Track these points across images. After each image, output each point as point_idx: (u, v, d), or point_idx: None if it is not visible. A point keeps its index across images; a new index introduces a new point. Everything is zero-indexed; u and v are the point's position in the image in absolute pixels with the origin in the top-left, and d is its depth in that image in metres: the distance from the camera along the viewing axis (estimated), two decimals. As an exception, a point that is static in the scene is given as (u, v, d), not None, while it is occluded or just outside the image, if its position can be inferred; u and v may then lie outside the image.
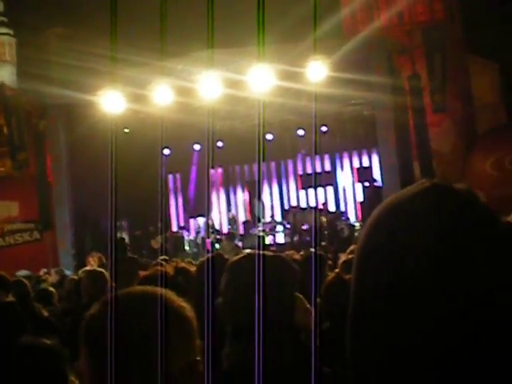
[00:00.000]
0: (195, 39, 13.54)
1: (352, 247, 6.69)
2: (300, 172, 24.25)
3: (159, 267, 5.46)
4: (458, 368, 0.92)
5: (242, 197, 24.92)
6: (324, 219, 20.02)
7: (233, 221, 22.68)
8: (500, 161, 17.48)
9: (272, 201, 24.39)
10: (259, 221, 22.34)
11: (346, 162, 23.65)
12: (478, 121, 18.65)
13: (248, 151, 20.16)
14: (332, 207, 22.78)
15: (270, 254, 2.51)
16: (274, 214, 23.49)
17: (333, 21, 15.43)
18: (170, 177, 25.01)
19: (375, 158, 21.49)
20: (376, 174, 21.28)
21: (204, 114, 18.09)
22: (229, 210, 23.80)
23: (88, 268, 8.63)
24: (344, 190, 23.50)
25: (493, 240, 0.96)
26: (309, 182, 23.81)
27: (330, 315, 4.17)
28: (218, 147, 22.63)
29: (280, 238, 21.98)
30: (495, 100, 18.48)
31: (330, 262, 7.20)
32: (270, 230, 21.86)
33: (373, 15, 17.56)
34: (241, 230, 22.48)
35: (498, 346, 0.92)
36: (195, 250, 21.42)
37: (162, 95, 16.87)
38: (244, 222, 23.14)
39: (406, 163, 16.77)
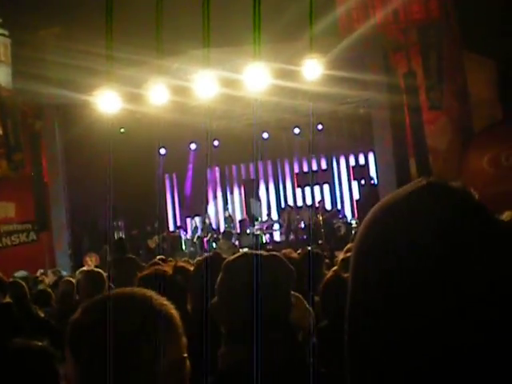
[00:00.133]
0: (191, 38, 13.51)
1: (349, 245, 6.69)
2: (296, 170, 24.26)
3: (158, 266, 5.45)
4: (455, 367, 0.92)
5: (238, 195, 24.91)
6: (320, 217, 20.04)
7: (229, 220, 22.68)
8: (496, 157, 17.50)
9: (268, 199, 24.40)
10: (256, 219, 22.33)
11: (342, 160, 23.66)
12: (474, 118, 18.66)
13: (244, 150, 20.21)
14: (328, 205, 22.80)
15: (266, 253, 2.50)
16: (271, 212, 23.51)
17: (328, 19, 15.44)
18: (166, 176, 24.99)
19: (371, 156, 21.51)
20: (372, 171, 21.30)
21: (200, 114, 18.10)
22: (225, 208, 23.80)
23: (85, 268, 8.61)
24: (340, 188, 23.52)
25: (488, 238, 0.96)
26: (305, 180, 23.83)
27: (328, 314, 4.17)
28: (215, 146, 22.65)
29: (277, 237, 22.01)
30: (491, 97, 18.50)
31: (327, 261, 7.19)
32: (267, 228, 21.87)
33: (368, 13, 17.57)
34: (237, 229, 22.48)
35: (494, 345, 0.92)
36: (192, 249, 21.42)
37: (157, 94, 16.86)
38: (240, 221, 23.15)
39: (402, 161, 16.78)
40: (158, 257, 8.85)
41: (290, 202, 23.96)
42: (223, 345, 2.35)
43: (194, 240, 21.69)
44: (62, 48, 16.43)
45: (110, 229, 19.44)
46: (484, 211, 0.98)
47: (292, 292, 2.78)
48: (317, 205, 21.73)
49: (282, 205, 23.84)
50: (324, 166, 23.78)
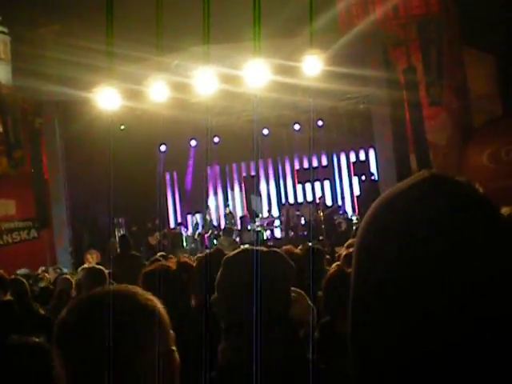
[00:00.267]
0: (191, 34, 13.50)
1: (350, 240, 6.69)
2: (297, 166, 24.25)
3: (163, 262, 5.46)
4: (454, 362, 0.92)
5: (238, 192, 24.92)
6: (321, 213, 20.04)
7: (230, 216, 22.68)
8: (496, 153, 17.50)
9: (269, 196, 24.40)
10: (256, 216, 22.34)
11: (343, 156, 23.65)
12: (473, 113, 18.66)
13: (244, 146, 20.20)
14: (329, 201, 22.80)
15: (266, 249, 2.50)
16: (271, 208, 23.51)
17: (328, 15, 15.42)
18: (167, 173, 24.98)
19: (371, 152, 21.50)
20: (372, 167, 21.30)
21: (200, 110, 18.10)
22: (226, 205, 23.80)
23: (87, 265, 8.63)
24: (341, 184, 23.51)
25: (491, 233, 0.96)
26: (306, 176, 23.82)
27: (330, 309, 4.16)
28: (215, 143, 22.64)
29: (277, 233, 22.01)
30: (491, 92, 18.49)
31: (327, 257, 7.19)
32: (268, 224, 21.88)
33: (368, 9, 17.56)
34: (238, 226, 22.49)
35: (494, 340, 0.92)
36: (193, 245, 21.43)
37: (158, 91, 16.85)
38: (241, 217, 23.16)
39: (402, 157, 16.77)
40: (159, 253, 8.87)
41: (291, 198, 23.96)
42: (223, 340, 2.36)
43: (195, 237, 21.70)
44: (62, 45, 16.42)
45: (111, 226, 19.45)
46: (488, 205, 0.98)
47: (294, 288, 2.79)
48: (317, 201, 21.73)
49: (283, 201, 23.84)
50: (324, 162, 23.77)
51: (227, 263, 2.45)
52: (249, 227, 21.82)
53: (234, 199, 24.77)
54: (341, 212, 21.44)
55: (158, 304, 1.65)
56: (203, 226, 22.18)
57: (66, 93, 16.89)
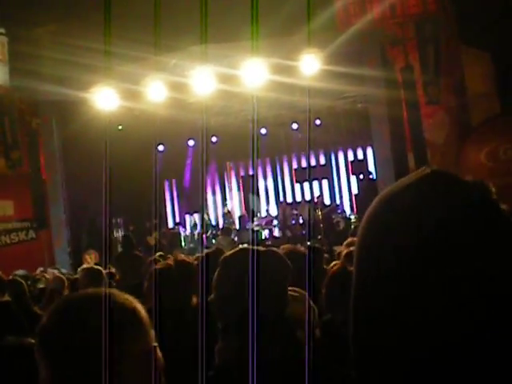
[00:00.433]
0: (189, 34, 13.50)
1: (350, 239, 6.69)
2: (295, 166, 24.26)
3: (170, 261, 5.45)
4: (456, 362, 0.92)
5: (237, 191, 24.92)
6: (319, 212, 20.04)
7: (228, 216, 22.68)
8: (494, 151, 17.51)
9: (267, 195, 24.40)
10: (254, 215, 22.33)
11: (341, 155, 23.66)
12: (471, 111, 18.66)
13: (242, 146, 20.17)
14: (327, 200, 22.80)
15: (263, 248, 2.50)
16: (269, 208, 23.51)
17: (326, 14, 15.43)
18: (165, 173, 24.96)
19: (369, 151, 21.51)
20: (370, 166, 21.31)
21: (198, 110, 18.08)
22: (224, 204, 23.80)
23: (85, 266, 8.63)
24: (339, 183, 23.52)
25: (494, 231, 0.95)
26: (304, 175, 23.84)
27: (332, 307, 4.16)
28: (213, 142, 22.64)
29: (276, 232, 22.02)
30: (488, 90, 18.49)
31: (326, 255, 7.19)
32: (266, 224, 21.87)
33: (365, 8, 17.55)
34: (236, 225, 22.49)
35: (494, 340, 0.91)
36: (191, 245, 21.43)
37: (155, 91, 16.85)
38: (239, 217, 23.15)
39: (400, 155, 16.78)
40: (158, 253, 8.86)
41: (289, 197, 23.97)
42: (220, 340, 2.36)
43: (195, 236, 21.68)
44: (59, 45, 16.39)
45: (109, 226, 19.42)
46: (490, 202, 0.98)
47: (295, 287, 2.78)
48: (315, 200, 21.73)
49: (281, 200, 23.85)
50: (322, 161, 23.78)
51: (224, 263, 2.45)
52: (247, 227, 21.81)
53: (232, 199, 24.77)
54: (339, 211, 21.45)
55: (136, 303, 1.67)
56: (201, 226, 22.18)
57: (63, 93, 16.87)
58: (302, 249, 5.57)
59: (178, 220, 24.75)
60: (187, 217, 24.51)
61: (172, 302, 3.92)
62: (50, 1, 17.38)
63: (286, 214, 21.67)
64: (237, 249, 2.58)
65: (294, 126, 21.92)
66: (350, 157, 23.46)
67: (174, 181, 25.18)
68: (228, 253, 2.54)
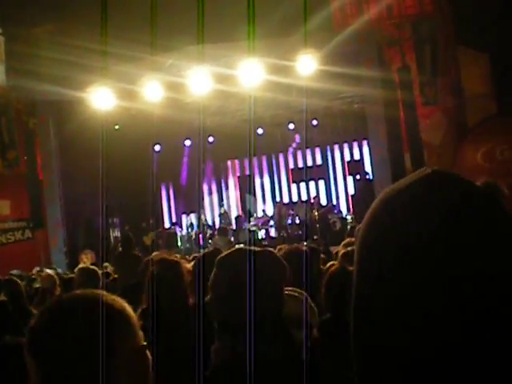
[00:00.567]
0: (185, 34, 13.49)
1: (348, 239, 6.69)
2: (291, 166, 24.27)
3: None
4: (456, 362, 0.92)
5: (233, 192, 24.91)
6: (316, 213, 20.04)
7: (225, 216, 22.67)
8: (491, 152, 17.52)
9: (264, 195, 24.40)
10: (251, 215, 22.33)
11: (337, 155, 23.67)
12: (468, 112, 18.67)
13: (239, 146, 20.19)
14: (324, 201, 22.81)
15: (259, 249, 2.50)
16: (266, 208, 23.51)
17: (322, 14, 15.42)
18: (161, 173, 24.94)
19: (366, 151, 21.52)
20: (367, 166, 21.32)
21: (194, 110, 18.08)
22: (221, 205, 23.79)
23: (81, 265, 8.63)
24: (335, 184, 23.53)
25: (495, 230, 0.95)
26: (300, 175, 23.84)
27: (331, 307, 4.16)
28: (209, 142, 22.63)
29: (273, 233, 22.02)
30: (485, 91, 18.50)
31: (322, 256, 7.19)
32: (262, 224, 21.87)
33: (362, 8, 17.56)
34: (233, 225, 22.48)
35: (497, 339, 0.92)
36: (188, 245, 21.41)
37: (152, 91, 16.85)
38: (236, 217, 23.15)
39: (396, 156, 16.79)
40: (154, 253, 8.85)
41: (286, 197, 23.98)
42: (216, 340, 2.36)
43: (193, 236, 21.67)
44: (56, 44, 16.38)
45: (105, 226, 19.42)
46: (491, 201, 0.98)
47: (295, 288, 2.78)
48: (312, 200, 21.74)
49: (277, 200, 23.86)
50: (319, 161, 23.79)
51: (220, 263, 2.45)
52: (244, 227, 21.81)
53: (228, 199, 24.77)
54: (335, 211, 21.45)
55: (125, 303, 1.68)
56: (198, 226, 22.17)
57: (60, 92, 16.86)
58: (304, 248, 5.57)
59: (174, 220, 24.74)
60: (184, 217, 24.50)
61: (167, 302, 3.92)
62: (47, 1, 17.36)
63: (282, 213, 21.67)
64: (232, 249, 2.58)
65: (291, 126, 21.93)
66: (347, 157, 23.47)
67: (170, 181, 25.17)
68: (224, 253, 2.54)
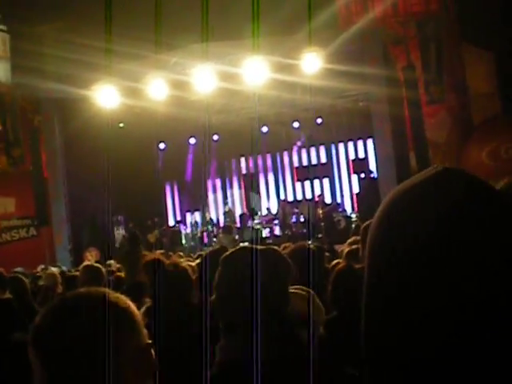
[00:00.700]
0: (190, 32, 13.50)
1: (352, 238, 6.68)
2: (296, 164, 24.24)
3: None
4: (470, 359, 0.92)
5: (238, 190, 24.90)
6: (320, 211, 20.03)
7: (229, 214, 22.66)
8: (496, 150, 17.48)
9: (268, 193, 24.39)
10: (255, 214, 22.31)
11: (342, 153, 23.63)
12: (472, 111, 18.63)
13: (243, 144, 20.20)
14: (328, 199, 22.79)
15: (263, 247, 2.50)
16: (270, 206, 23.49)
17: (327, 12, 15.41)
18: (166, 171, 24.94)
19: (371, 150, 21.50)
20: (372, 165, 21.29)
21: (199, 108, 18.09)
22: (225, 203, 23.78)
23: (86, 263, 8.63)
24: (340, 182, 23.50)
25: (507, 228, 0.95)
26: (305, 174, 23.82)
27: (338, 305, 4.16)
28: (214, 140, 22.63)
29: (277, 231, 22.01)
30: (490, 90, 18.46)
31: (327, 254, 7.18)
32: (267, 222, 21.87)
33: (367, 6, 17.53)
34: (237, 223, 22.47)
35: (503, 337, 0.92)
36: (192, 243, 21.42)
37: (156, 89, 16.86)
38: (240, 215, 23.14)
39: (401, 154, 16.78)
40: (158, 251, 8.86)
41: (290, 195, 23.96)
42: (222, 338, 2.36)
43: (198, 234, 21.66)
44: (61, 42, 16.40)
45: (110, 224, 19.45)
46: (503, 199, 0.98)
47: (301, 286, 2.78)
48: (316, 199, 21.72)
49: (281, 198, 23.83)
50: (324, 159, 23.76)
51: (224, 262, 2.45)
52: (248, 225, 21.80)
53: (233, 197, 24.76)
54: (340, 210, 21.42)
55: (129, 302, 1.68)
56: (202, 224, 22.16)
57: (65, 90, 16.89)
58: (312, 246, 5.57)
59: (178, 218, 24.74)
60: (188, 215, 24.50)
61: (172, 301, 3.92)
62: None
63: (286, 212, 21.65)
64: (237, 248, 2.58)
65: (296, 124, 21.92)
66: (352, 155, 23.43)
67: (174, 179, 25.16)
68: (228, 252, 2.54)
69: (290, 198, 23.86)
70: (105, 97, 16.66)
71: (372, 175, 20.90)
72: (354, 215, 20.33)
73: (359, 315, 1.03)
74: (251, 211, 22.79)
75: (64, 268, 13.36)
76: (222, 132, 21.68)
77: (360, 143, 22.95)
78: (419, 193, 0.99)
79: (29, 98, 18.96)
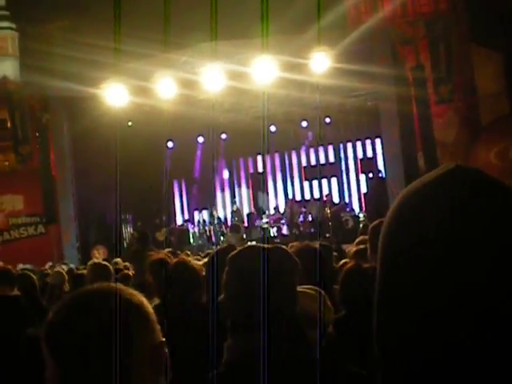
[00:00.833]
0: (199, 31, 13.51)
1: (360, 238, 6.67)
2: (304, 164, 24.22)
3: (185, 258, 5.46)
4: (490, 354, 0.91)
5: (245, 189, 24.90)
6: (328, 211, 20.02)
7: (237, 213, 22.67)
8: (504, 151, 17.45)
9: (276, 193, 24.38)
10: (263, 213, 22.32)
11: (350, 153, 23.61)
12: (481, 111, 18.59)
13: (252, 143, 20.19)
14: (336, 198, 22.77)
15: (270, 246, 2.50)
16: (278, 205, 23.49)
17: (336, 12, 15.41)
18: (174, 169, 24.96)
19: (379, 149, 21.47)
20: (380, 164, 21.27)
21: (208, 107, 18.10)
22: (233, 202, 23.78)
23: (93, 261, 8.65)
24: (348, 182, 23.48)
25: None
26: (313, 173, 23.79)
27: (347, 304, 4.16)
28: (222, 139, 22.64)
29: (285, 230, 22.00)
30: (498, 90, 18.41)
31: (335, 254, 7.18)
32: (274, 221, 21.86)
33: (376, 6, 17.51)
34: (245, 223, 22.47)
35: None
36: (200, 242, 21.44)
37: (165, 88, 16.88)
38: (248, 214, 23.15)
39: (409, 154, 16.76)
40: (166, 250, 8.88)
41: (298, 194, 23.95)
42: (229, 337, 2.36)
43: (207, 233, 21.68)
44: (70, 41, 16.45)
45: (118, 222, 19.49)
46: None
47: (311, 286, 2.78)
48: (324, 198, 21.70)
49: (288, 197, 23.82)
50: (332, 159, 23.74)
51: (231, 262, 2.45)
52: (256, 224, 21.80)
53: (241, 196, 24.77)
54: (348, 209, 21.41)
55: (143, 298, 1.66)
56: (210, 223, 22.17)
57: (73, 89, 16.92)
58: (317, 245, 5.57)
59: (186, 217, 24.76)
60: (196, 213, 24.52)
61: (180, 300, 3.93)
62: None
63: (293, 211, 21.64)
64: (243, 247, 2.58)
65: (304, 123, 21.89)
66: (360, 155, 23.40)
67: (182, 177, 25.19)
68: (234, 252, 2.53)
69: (298, 198, 23.85)
70: (113, 95, 16.69)
71: (380, 175, 20.87)
72: (361, 215, 20.31)
73: (369, 314, 1.03)
74: (259, 210, 22.79)
75: (72, 265, 13.41)
76: (231, 131, 21.67)
77: (368, 143, 22.92)
78: (431, 191, 0.99)
79: (37, 96, 19.01)
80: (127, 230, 21.70)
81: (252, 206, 24.34)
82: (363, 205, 22.26)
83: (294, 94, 17.88)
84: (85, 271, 7.72)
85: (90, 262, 7.71)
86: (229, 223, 22.29)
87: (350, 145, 23.44)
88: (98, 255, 17.40)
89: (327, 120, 21.31)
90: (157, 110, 18.04)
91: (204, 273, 4.39)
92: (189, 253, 11.65)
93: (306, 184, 24.13)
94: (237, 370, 2.26)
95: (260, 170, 24.32)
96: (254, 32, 13.32)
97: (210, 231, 21.51)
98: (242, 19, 14.20)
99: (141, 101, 17.38)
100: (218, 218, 22.25)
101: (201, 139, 23.17)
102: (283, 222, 22.02)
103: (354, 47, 15.64)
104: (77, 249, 18.85)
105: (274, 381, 2.06)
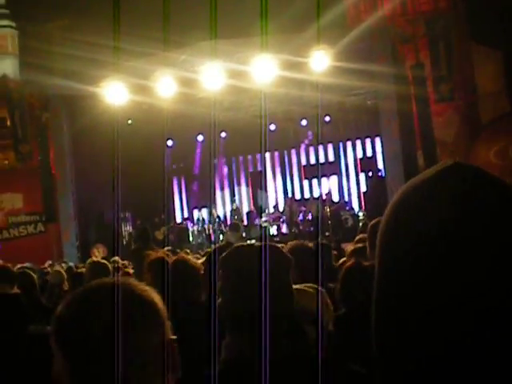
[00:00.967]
0: (198, 29, 13.50)
1: (359, 236, 6.67)
2: (304, 162, 24.23)
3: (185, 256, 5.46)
4: (491, 353, 0.91)
5: (245, 187, 24.90)
6: (328, 209, 20.01)
7: (236, 211, 22.67)
8: (504, 150, 17.44)
9: (276, 191, 24.39)
10: (263, 211, 22.32)
11: (350, 151, 23.62)
12: (480, 110, 18.58)
13: (251, 142, 20.19)
14: (336, 197, 22.77)
15: (260, 244, 2.49)
16: (278, 204, 23.50)
17: (336, 10, 15.40)
18: (173, 168, 24.97)
19: (379, 148, 21.47)
20: (379, 163, 21.27)
21: (207, 105, 18.09)
22: (232, 200, 23.79)
23: (92, 259, 8.66)
24: (348, 180, 23.49)
25: None
26: (312, 172, 23.80)
27: (347, 302, 4.17)
28: (222, 138, 22.64)
29: (284, 229, 22.01)
30: (498, 89, 18.41)
31: (334, 252, 7.19)
32: (274, 220, 21.86)
33: (376, 5, 17.52)
34: (245, 221, 22.48)
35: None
36: (199, 240, 21.44)
37: (165, 86, 16.88)
38: (247, 213, 23.15)
39: (409, 153, 16.76)
40: (166, 248, 8.88)
41: (298, 193, 23.95)
42: (227, 336, 2.36)
43: (206, 231, 21.68)
44: (70, 39, 16.45)
45: (117, 220, 19.49)
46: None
47: (310, 284, 2.78)
48: (324, 197, 21.70)
49: (288, 196, 23.83)
50: (331, 157, 23.75)
51: (223, 263, 2.45)
52: (256, 223, 21.81)
53: (240, 194, 24.77)
54: (347, 208, 21.42)
55: (154, 294, 1.65)
56: (209, 221, 22.17)
57: (73, 87, 16.92)
58: (310, 244, 5.58)
59: (186, 215, 24.77)
60: (195, 212, 24.52)
61: (179, 298, 3.93)
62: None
63: (293, 209, 21.65)
64: (232, 247, 2.58)
65: (304, 122, 21.90)
66: (359, 154, 23.41)
67: (182, 175, 25.20)
68: (224, 254, 2.53)
69: (298, 196, 23.86)
70: (113, 94, 16.68)
71: (380, 174, 20.88)
72: (361, 213, 20.31)
73: (369, 312, 1.03)
74: (258, 209, 22.79)
75: (71, 264, 13.41)
76: (230, 129, 21.67)
77: (368, 141, 22.95)
78: (430, 188, 0.99)
79: (37, 94, 19.01)
80: (127, 229, 21.71)
81: (251, 204, 24.35)
82: (363, 203, 22.27)
83: (294, 93, 17.88)
84: (84, 270, 7.73)
85: (88, 261, 7.72)
86: (228, 222, 22.29)
87: (349, 143, 23.45)
88: (98, 254, 17.40)
89: (327, 119, 21.30)
90: (156, 109, 18.03)
91: (203, 271, 4.39)
92: (188, 251, 11.65)
93: (305, 183, 24.15)
94: (235, 369, 2.26)
95: (259, 168, 24.32)
96: (253, 30, 13.33)
97: (209, 229, 21.50)
98: (242, 18, 14.19)
99: (140, 99, 17.38)
100: (218, 217, 22.25)
101: (200, 137, 23.17)
102: (283, 220, 22.02)
103: (353, 46, 15.64)
104: (76, 247, 18.85)
105: (272, 379, 2.06)
